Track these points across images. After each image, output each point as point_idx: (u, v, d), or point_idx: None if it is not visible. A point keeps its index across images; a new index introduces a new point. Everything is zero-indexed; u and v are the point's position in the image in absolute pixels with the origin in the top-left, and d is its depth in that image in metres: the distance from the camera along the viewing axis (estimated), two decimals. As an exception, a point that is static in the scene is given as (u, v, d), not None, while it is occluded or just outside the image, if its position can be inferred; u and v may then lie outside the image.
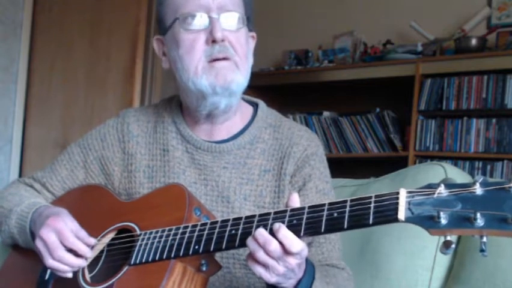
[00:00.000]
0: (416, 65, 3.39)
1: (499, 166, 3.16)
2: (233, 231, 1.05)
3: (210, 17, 1.22)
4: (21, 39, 3.38)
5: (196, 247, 1.07)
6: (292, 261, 1.00)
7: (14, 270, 1.35)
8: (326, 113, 3.85)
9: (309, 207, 1.00)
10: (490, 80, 3.20)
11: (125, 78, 3.17)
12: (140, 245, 1.14)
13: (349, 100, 3.87)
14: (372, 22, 3.81)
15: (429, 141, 3.37)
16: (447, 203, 0.87)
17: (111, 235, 1.22)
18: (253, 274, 1.22)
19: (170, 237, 1.10)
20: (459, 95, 3.29)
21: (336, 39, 3.86)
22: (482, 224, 0.84)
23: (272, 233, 0.99)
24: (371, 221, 0.93)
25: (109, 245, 1.22)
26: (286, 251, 0.98)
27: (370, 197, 0.95)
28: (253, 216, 1.04)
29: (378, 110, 3.65)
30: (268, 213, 1.03)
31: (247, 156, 1.30)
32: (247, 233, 1.02)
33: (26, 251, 1.31)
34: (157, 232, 1.13)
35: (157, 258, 1.10)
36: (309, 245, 1.24)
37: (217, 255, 1.19)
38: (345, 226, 0.95)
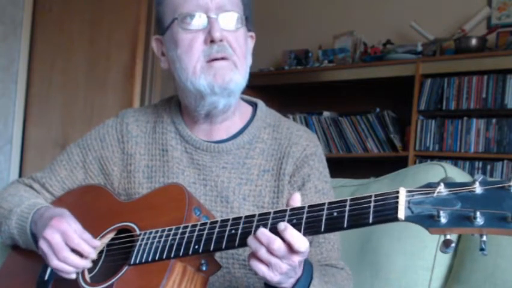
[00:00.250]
0: (416, 65, 3.39)
1: (499, 166, 3.15)
2: (233, 231, 1.05)
3: (208, 17, 1.22)
4: (21, 39, 3.38)
5: (196, 247, 1.07)
6: (296, 259, 1.00)
7: (13, 270, 1.35)
8: (326, 113, 3.85)
9: (309, 206, 1.00)
10: (490, 80, 3.20)
11: (125, 78, 3.17)
12: (140, 245, 1.14)
13: (349, 100, 3.88)
14: (372, 22, 3.81)
15: (429, 141, 3.37)
16: (447, 202, 0.87)
17: (111, 235, 1.22)
18: (252, 274, 1.22)
19: (170, 237, 1.10)
20: (459, 95, 3.29)
21: (336, 39, 3.85)
22: (481, 222, 0.84)
23: (274, 232, 0.99)
24: (370, 220, 0.93)
25: (108, 245, 1.22)
26: (293, 250, 0.98)
27: (370, 196, 0.95)
28: (253, 215, 1.04)
29: (378, 110, 3.65)
30: (268, 213, 1.03)
31: (246, 156, 1.30)
32: (247, 232, 1.02)
33: (26, 251, 1.31)
34: (156, 232, 1.13)
35: (156, 258, 1.10)
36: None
37: (217, 256, 1.19)
38: (345, 225, 0.95)
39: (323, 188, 1.31)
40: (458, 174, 1.51)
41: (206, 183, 1.29)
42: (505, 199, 0.84)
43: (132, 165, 1.34)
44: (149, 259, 1.11)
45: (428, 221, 0.88)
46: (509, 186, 0.85)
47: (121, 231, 1.21)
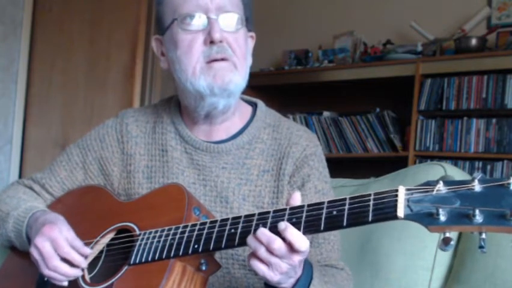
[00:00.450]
0: (416, 65, 3.39)
1: (499, 166, 3.15)
2: (232, 230, 1.04)
3: (208, 18, 1.22)
4: (21, 39, 3.37)
5: (196, 246, 1.07)
6: (297, 258, 1.00)
7: (13, 271, 1.35)
8: (326, 113, 3.85)
9: (308, 205, 1.00)
10: (490, 80, 3.20)
11: (125, 78, 3.17)
12: (140, 244, 1.14)
13: (349, 100, 3.88)
14: (372, 22, 3.81)
15: (429, 141, 3.37)
16: (446, 200, 0.87)
17: (110, 235, 1.22)
18: (252, 274, 1.22)
19: (170, 237, 1.10)
20: (459, 95, 3.29)
21: (336, 39, 3.86)
22: (481, 220, 0.84)
23: (273, 231, 0.99)
24: (370, 219, 0.93)
25: (108, 245, 1.22)
26: (293, 249, 0.98)
27: (369, 195, 0.95)
28: (253, 215, 1.04)
29: (378, 110, 3.66)
30: (268, 212, 1.03)
31: (246, 157, 1.30)
32: (247, 231, 1.02)
33: (25, 252, 1.30)
34: (156, 232, 1.13)
35: (156, 257, 1.10)
36: (308, 245, 1.24)
37: (217, 256, 1.19)
38: (345, 224, 0.95)
39: (322, 188, 1.31)
40: (458, 174, 1.51)
41: (206, 183, 1.29)
42: (504, 197, 0.84)
43: (132, 165, 1.34)
44: (149, 259, 1.11)
45: (428, 219, 0.88)
46: (508, 183, 0.85)
47: (120, 231, 1.21)
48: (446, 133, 3.33)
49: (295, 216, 1.00)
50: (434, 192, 0.89)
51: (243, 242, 1.02)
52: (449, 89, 3.31)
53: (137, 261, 1.12)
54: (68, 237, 1.15)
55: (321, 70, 3.80)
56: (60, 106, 3.35)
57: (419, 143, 3.39)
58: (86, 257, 1.16)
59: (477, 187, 0.87)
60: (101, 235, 1.22)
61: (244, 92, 1.31)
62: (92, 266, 1.20)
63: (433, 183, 0.90)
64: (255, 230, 1.01)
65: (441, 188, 0.89)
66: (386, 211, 0.92)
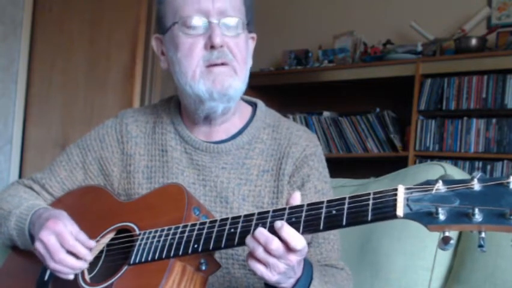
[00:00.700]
0: (416, 65, 3.39)
1: (499, 166, 3.15)
2: (232, 230, 1.04)
3: (209, 22, 1.21)
4: (21, 39, 3.37)
5: (195, 246, 1.07)
6: (294, 258, 1.00)
7: (13, 270, 1.35)
8: (326, 113, 3.85)
9: (308, 205, 1.00)
10: (490, 80, 3.20)
11: (125, 78, 3.17)
12: (140, 244, 1.14)
13: (349, 100, 3.88)
14: (372, 22, 3.81)
15: (429, 141, 3.37)
16: (445, 199, 0.87)
17: (110, 235, 1.22)
18: (252, 274, 1.22)
19: (170, 237, 1.10)
20: (459, 95, 3.29)
21: (336, 39, 3.85)
22: (480, 219, 0.84)
23: (272, 231, 0.99)
24: (369, 218, 0.93)
25: (108, 245, 1.22)
26: (289, 249, 0.98)
27: (368, 194, 0.95)
28: (252, 214, 1.04)
29: (378, 110, 3.65)
30: (267, 212, 1.03)
31: (245, 157, 1.30)
32: (246, 231, 1.02)
33: (26, 251, 1.31)
34: (156, 232, 1.13)
35: (156, 257, 1.10)
36: (308, 245, 1.23)
37: (216, 256, 1.19)
38: (344, 223, 0.95)
39: (322, 188, 1.31)
40: (458, 174, 1.51)
41: (205, 183, 1.29)
42: (503, 195, 0.84)
43: (132, 165, 1.34)
44: (149, 259, 1.11)
45: (427, 218, 0.88)
46: (508, 182, 0.85)
47: (120, 231, 1.21)
48: (446, 133, 3.33)
49: (294, 215, 1.00)
50: (434, 191, 0.89)
51: (242, 242, 1.02)
52: (449, 89, 3.31)
53: (137, 261, 1.12)
54: (72, 231, 1.16)
55: (321, 70, 3.80)
56: (60, 106, 3.35)
57: (419, 143, 3.39)
58: (90, 250, 1.17)
59: (476, 186, 0.87)
60: (101, 235, 1.22)
61: (244, 92, 1.30)
62: (92, 266, 1.20)
63: (432, 183, 0.90)
64: (255, 229, 1.01)
65: (440, 187, 0.89)
66: (385, 210, 0.92)
